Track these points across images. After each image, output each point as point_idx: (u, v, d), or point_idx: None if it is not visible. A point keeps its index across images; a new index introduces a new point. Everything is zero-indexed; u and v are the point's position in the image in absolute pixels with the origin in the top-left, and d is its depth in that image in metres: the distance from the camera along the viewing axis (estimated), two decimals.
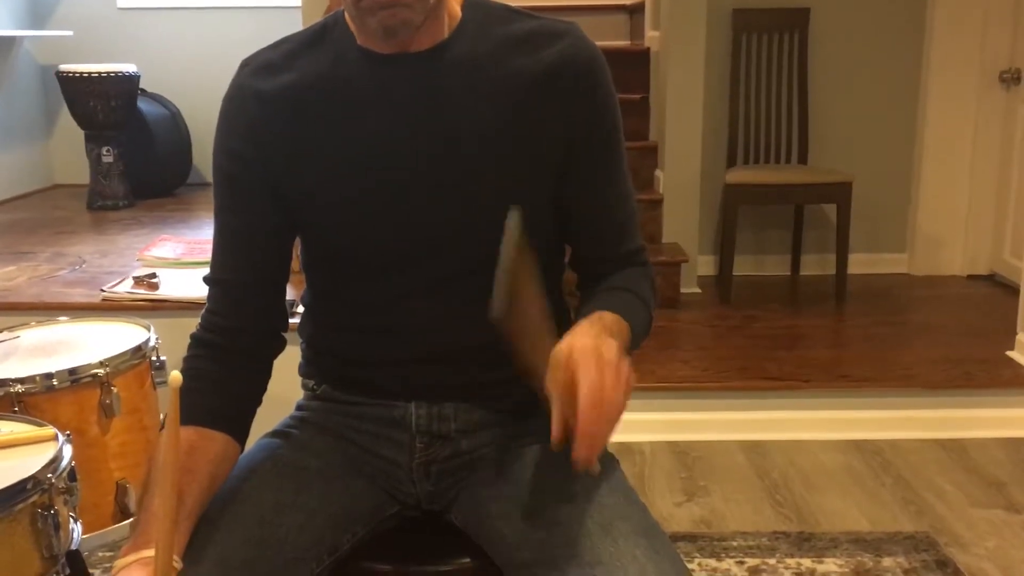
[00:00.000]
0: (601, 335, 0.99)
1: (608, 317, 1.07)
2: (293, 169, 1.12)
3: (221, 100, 1.15)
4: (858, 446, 2.77)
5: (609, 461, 1.18)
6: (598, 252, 1.21)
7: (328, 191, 1.12)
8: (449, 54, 1.10)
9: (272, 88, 1.11)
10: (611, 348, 0.96)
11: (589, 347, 0.95)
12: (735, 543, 2.24)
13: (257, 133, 1.12)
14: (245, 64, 1.15)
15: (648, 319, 1.19)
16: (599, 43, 1.16)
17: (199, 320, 1.16)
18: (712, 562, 2.16)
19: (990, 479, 2.56)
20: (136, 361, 1.79)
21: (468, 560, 1.15)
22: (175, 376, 0.84)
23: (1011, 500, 2.44)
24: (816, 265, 4.13)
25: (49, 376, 1.65)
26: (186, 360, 1.13)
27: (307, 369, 1.28)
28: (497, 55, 1.11)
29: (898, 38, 4.04)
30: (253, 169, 1.12)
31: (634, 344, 1.12)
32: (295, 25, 1.27)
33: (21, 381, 1.63)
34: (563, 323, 1.11)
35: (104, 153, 4.73)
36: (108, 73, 4.63)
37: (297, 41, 1.15)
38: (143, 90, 4.98)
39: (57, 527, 1.27)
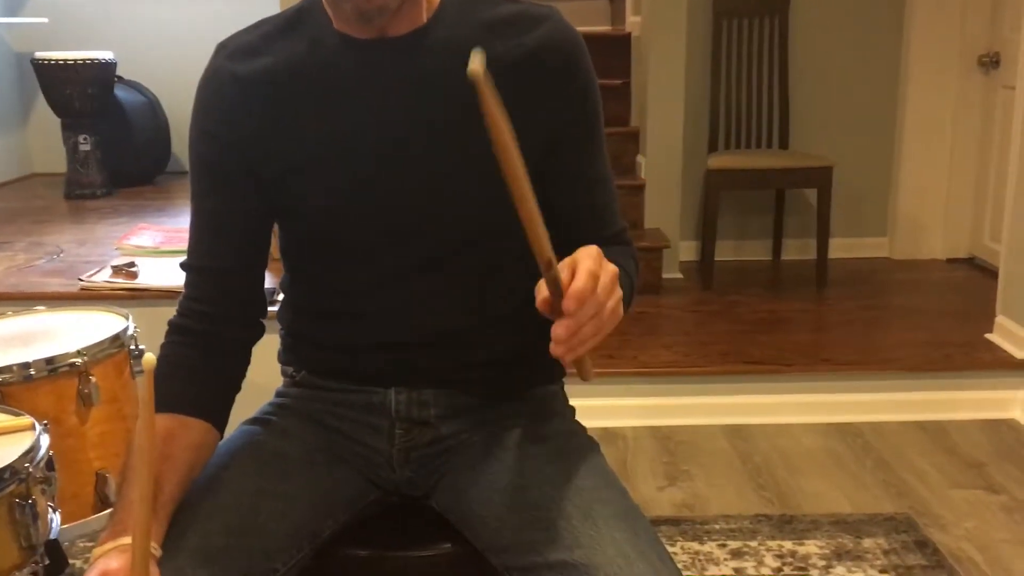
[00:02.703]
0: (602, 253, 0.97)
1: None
2: (270, 153, 1.11)
3: (196, 87, 1.14)
4: (839, 429, 2.79)
5: (590, 445, 1.19)
6: (581, 235, 1.20)
7: (305, 176, 1.11)
8: (428, 39, 1.09)
9: (249, 71, 1.10)
10: (610, 264, 0.95)
11: (594, 252, 0.94)
12: (717, 526, 2.25)
13: (234, 116, 1.11)
14: (222, 47, 1.14)
15: (631, 292, 1.18)
16: (580, 28, 1.16)
17: (176, 307, 1.15)
18: (695, 545, 2.17)
19: (970, 460, 2.59)
20: (114, 350, 1.77)
21: (449, 545, 1.16)
22: (148, 358, 0.83)
23: (990, 481, 2.47)
24: (797, 250, 4.14)
25: (27, 366, 1.63)
26: (163, 347, 1.12)
27: (286, 356, 1.27)
28: (477, 40, 1.09)
29: (878, 23, 4.05)
30: (230, 152, 1.11)
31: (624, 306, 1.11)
32: (272, 9, 1.26)
33: None
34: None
35: (81, 141, 4.69)
36: (84, 60, 4.58)
37: (273, 24, 1.14)
38: (120, 77, 4.93)
39: (35, 517, 1.26)
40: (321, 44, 1.10)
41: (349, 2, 1.02)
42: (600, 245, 1.19)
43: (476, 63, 0.79)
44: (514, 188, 0.86)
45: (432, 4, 1.11)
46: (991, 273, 3.60)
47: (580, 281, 0.89)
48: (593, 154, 1.17)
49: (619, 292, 0.95)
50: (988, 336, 3.10)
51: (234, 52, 1.13)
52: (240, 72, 1.11)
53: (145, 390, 0.84)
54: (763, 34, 3.95)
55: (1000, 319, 3.09)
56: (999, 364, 2.93)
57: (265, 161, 1.11)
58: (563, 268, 0.91)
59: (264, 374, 1.26)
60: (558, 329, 0.89)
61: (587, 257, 0.92)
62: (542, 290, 0.90)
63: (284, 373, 1.28)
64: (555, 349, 0.90)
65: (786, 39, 3.95)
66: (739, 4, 3.94)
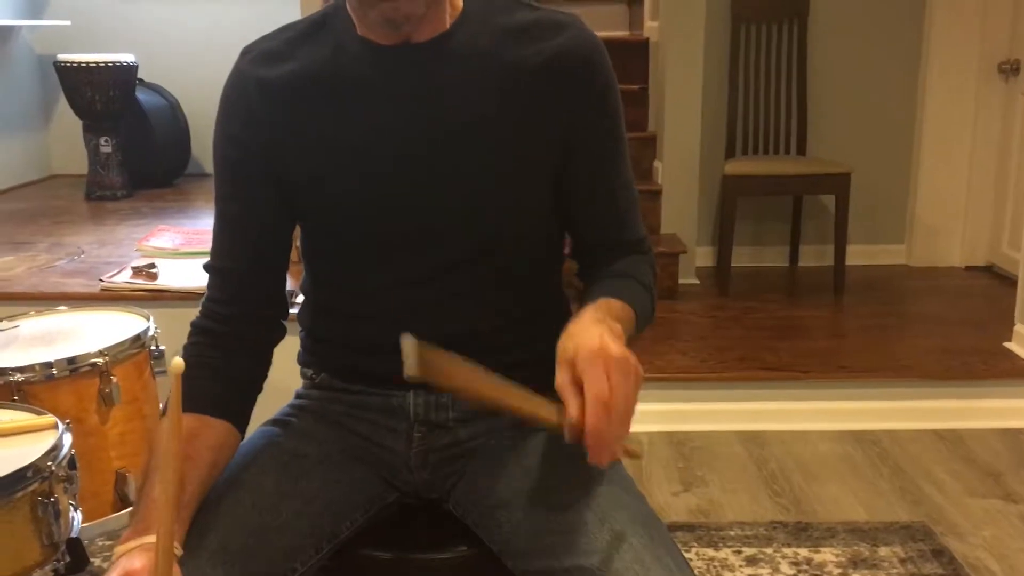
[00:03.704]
0: (605, 323, 0.98)
1: (614, 304, 1.07)
2: (293, 157, 1.12)
3: (220, 90, 1.15)
4: (856, 436, 2.78)
5: None
6: (600, 241, 1.22)
7: (328, 180, 1.12)
8: (450, 45, 1.10)
9: (273, 76, 1.12)
10: (617, 342, 0.95)
11: (595, 347, 0.93)
12: (732, 533, 2.25)
13: (258, 120, 1.12)
14: (246, 52, 1.15)
15: (651, 305, 1.19)
16: (598, 33, 1.16)
17: (199, 308, 1.16)
18: (710, 551, 2.17)
19: (987, 469, 2.57)
20: (135, 350, 1.79)
21: (465, 548, 1.16)
22: (177, 362, 0.84)
23: (1008, 490, 2.45)
24: (814, 256, 4.13)
25: (49, 365, 1.65)
26: (186, 347, 1.14)
27: (306, 358, 1.28)
28: (499, 46, 1.11)
29: (897, 29, 4.03)
30: (254, 156, 1.12)
31: (638, 328, 1.12)
32: (294, 14, 1.27)
33: (21, 370, 1.63)
34: (562, 315, 1.12)
35: (102, 143, 4.72)
36: (106, 63, 4.61)
37: (297, 30, 1.15)
38: (141, 80, 4.97)
39: (57, 515, 1.28)
40: (344, 50, 1.11)
41: (375, 9, 1.02)
42: (619, 251, 1.21)
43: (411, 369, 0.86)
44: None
45: (455, 10, 1.12)
46: (1010, 281, 3.58)
47: (592, 420, 0.90)
48: (614, 160, 1.18)
49: (632, 365, 0.94)
50: (1006, 344, 3.09)
51: (258, 57, 1.14)
52: (264, 77, 1.12)
53: (173, 394, 0.85)
54: (781, 39, 3.94)
55: (1019, 327, 3.07)
56: (1017, 373, 2.91)
57: (288, 165, 1.12)
58: (564, 389, 0.93)
59: (284, 376, 1.27)
60: (592, 459, 0.92)
61: (590, 373, 0.92)
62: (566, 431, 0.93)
63: (303, 375, 1.29)
64: (595, 463, 0.93)
65: (804, 45, 3.94)
66: (757, 9, 3.93)
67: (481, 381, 0.90)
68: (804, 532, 2.25)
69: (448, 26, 1.10)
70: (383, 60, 1.10)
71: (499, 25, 1.11)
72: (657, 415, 2.83)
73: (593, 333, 0.96)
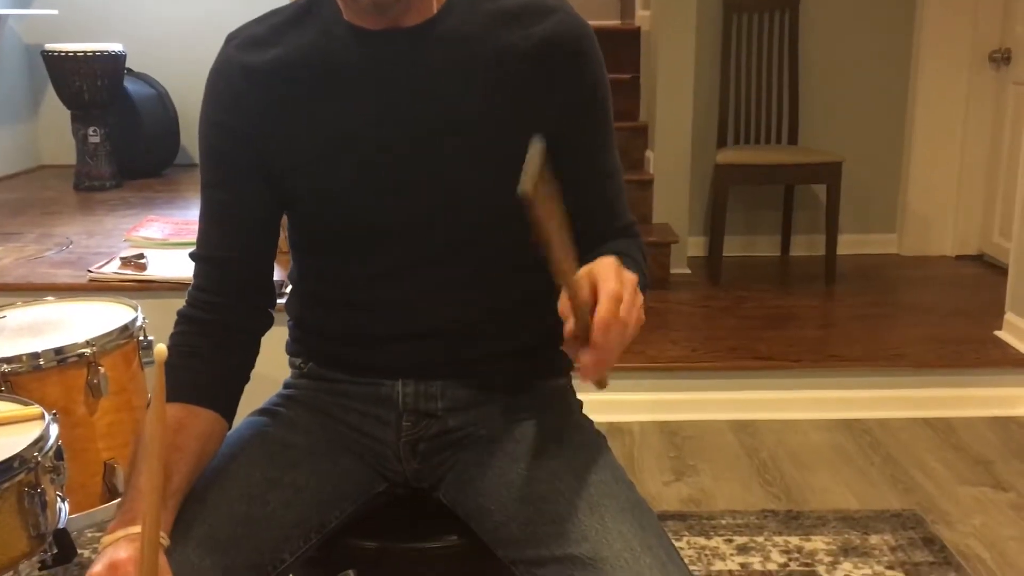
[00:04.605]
0: (619, 263, 0.98)
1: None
2: (280, 144, 1.11)
3: (206, 78, 1.14)
4: (847, 425, 2.79)
5: (597, 439, 1.18)
6: (589, 228, 1.20)
7: (315, 167, 1.11)
8: (438, 30, 1.09)
9: (259, 62, 1.10)
10: (629, 272, 0.96)
11: (611, 265, 0.94)
12: (724, 521, 2.25)
13: (244, 107, 1.11)
14: (231, 38, 1.14)
15: (644, 284, 1.18)
16: (589, 22, 1.15)
17: (185, 297, 1.15)
18: (701, 540, 2.17)
19: (977, 457, 2.58)
20: (123, 341, 1.78)
21: (455, 538, 1.16)
22: (160, 349, 0.83)
23: (998, 478, 2.46)
24: (806, 245, 4.13)
25: (35, 356, 1.64)
26: (173, 336, 1.13)
27: (294, 347, 1.27)
28: (487, 31, 1.10)
29: (889, 18, 4.03)
30: (239, 143, 1.11)
31: None
32: (281, 2, 1.26)
33: (7, 360, 1.61)
34: (551, 304, 1.11)
35: (91, 133, 4.69)
36: (94, 52, 4.58)
37: (283, 15, 1.14)
38: (129, 69, 4.93)
39: (44, 506, 1.27)
40: (330, 35, 1.10)
41: None
42: (610, 237, 1.20)
43: (527, 184, 0.81)
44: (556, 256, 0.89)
45: None
46: (1001, 270, 3.58)
47: (604, 310, 0.90)
48: (603, 146, 1.17)
49: (640, 299, 0.96)
50: (997, 333, 3.09)
51: (243, 43, 1.13)
52: (250, 63, 1.11)
53: (156, 380, 0.84)
54: (773, 29, 3.94)
55: (1009, 316, 3.08)
56: (1008, 361, 2.92)
57: (274, 152, 1.11)
58: (581, 284, 0.92)
59: (272, 365, 1.27)
60: (586, 358, 0.91)
61: (607, 276, 0.92)
62: (568, 321, 0.92)
63: (292, 364, 1.28)
64: (584, 375, 0.93)
65: (796, 34, 3.93)
66: None
67: (556, 232, 0.88)
68: (795, 520, 2.25)
69: (435, 11, 1.09)
70: (370, 45, 1.09)
71: (487, 10, 1.10)
72: (649, 404, 2.83)
73: (610, 259, 0.97)
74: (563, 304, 0.92)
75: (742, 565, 2.07)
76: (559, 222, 0.89)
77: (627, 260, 1.13)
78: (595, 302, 0.91)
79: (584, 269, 0.94)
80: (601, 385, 0.98)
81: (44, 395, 1.61)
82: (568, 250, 0.91)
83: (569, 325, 0.92)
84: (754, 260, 4.13)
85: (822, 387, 2.89)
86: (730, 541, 2.16)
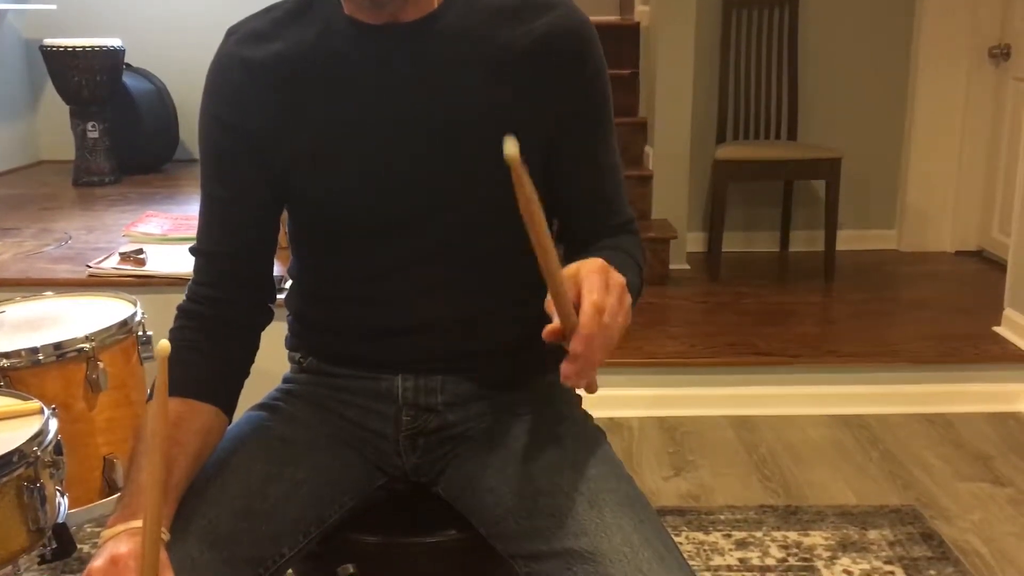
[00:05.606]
0: (608, 265, 0.97)
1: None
2: (280, 139, 1.11)
3: (206, 72, 1.14)
4: (846, 421, 2.79)
5: (596, 434, 1.19)
6: (588, 223, 1.21)
7: (314, 162, 1.11)
8: (438, 25, 1.09)
9: (259, 57, 1.10)
10: (617, 275, 0.95)
11: (598, 267, 0.93)
12: (723, 517, 2.26)
13: (244, 101, 1.10)
14: (231, 32, 1.14)
15: (640, 282, 1.18)
16: (589, 18, 1.15)
17: (185, 292, 1.15)
18: (700, 535, 2.17)
19: (976, 453, 2.58)
20: (122, 336, 1.78)
21: (455, 532, 1.16)
22: (163, 345, 0.83)
23: (996, 474, 2.46)
24: (805, 241, 4.13)
25: (35, 351, 1.64)
26: (172, 331, 1.12)
27: (294, 342, 1.27)
28: (487, 26, 1.10)
29: (888, 14, 4.03)
30: (240, 137, 1.11)
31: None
32: None
33: (6, 355, 1.62)
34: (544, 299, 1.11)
35: (89, 128, 4.69)
36: (93, 48, 4.57)
37: (283, 10, 1.14)
38: (128, 65, 4.93)
39: (43, 500, 1.27)
40: (331, 29, 1.10)
41: None
42: (609, 233, 1.20)
43: (511, 147, 0.81)
44: (540, 257, 0.87)
45: None
46: (999, 266, 3.58)
47: (586, 321, 0.88)
48: (602, 141, 1.17)
49: (628, 300, 0.95)
50: (996, 329, 3.10)
51: (243, 37, 1.12)
52: (249, 58, 1.10)
53: (159, 376, 0.84)
54: (772, 24, 3.94)
55: (1008, 312, 3.08)
56: (1007, 357, 2.92)
57: (274, 147, 1.11)
58: (567, 284, 0.90)
59: (271, 360, 1.27)
60: (567, 368, 0.90)
61: (591, 284, 0.91)
62: (553, 318, 0.91)
63: (291, 359, 1.28)
64: (565, 381, 0.91)
65: (795, 29, 3.93)
66: None
67: (539, 221, 0.87)
68: (794, 516, 2.25)
69: (436, 6, 1.09)
70: (370, 40, 1.08)
71: (488, 5, 1.10)
72: (648, 400, 2.83)
73: (597, 260, 0.95)
74: (549, 302, 0.91)
75: (741, 560, 2.07)
76: (541, 223, 0.87)
77: (623, 258, 1.13)
78: (579, 303, 0.90)
79: (570, 269, 0.93)
80: (590, 390, 0.97)
81: (43, 390, 1.61)
82: (551, 250, 0.89)
83: (554, 324, 0.91)
84: (753, 256, 4.13)
85: (821, 383, 2.89)
86: (729, 536, 2.17)
